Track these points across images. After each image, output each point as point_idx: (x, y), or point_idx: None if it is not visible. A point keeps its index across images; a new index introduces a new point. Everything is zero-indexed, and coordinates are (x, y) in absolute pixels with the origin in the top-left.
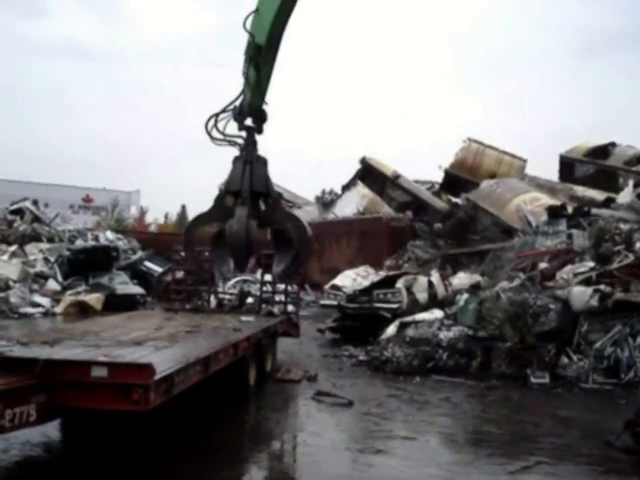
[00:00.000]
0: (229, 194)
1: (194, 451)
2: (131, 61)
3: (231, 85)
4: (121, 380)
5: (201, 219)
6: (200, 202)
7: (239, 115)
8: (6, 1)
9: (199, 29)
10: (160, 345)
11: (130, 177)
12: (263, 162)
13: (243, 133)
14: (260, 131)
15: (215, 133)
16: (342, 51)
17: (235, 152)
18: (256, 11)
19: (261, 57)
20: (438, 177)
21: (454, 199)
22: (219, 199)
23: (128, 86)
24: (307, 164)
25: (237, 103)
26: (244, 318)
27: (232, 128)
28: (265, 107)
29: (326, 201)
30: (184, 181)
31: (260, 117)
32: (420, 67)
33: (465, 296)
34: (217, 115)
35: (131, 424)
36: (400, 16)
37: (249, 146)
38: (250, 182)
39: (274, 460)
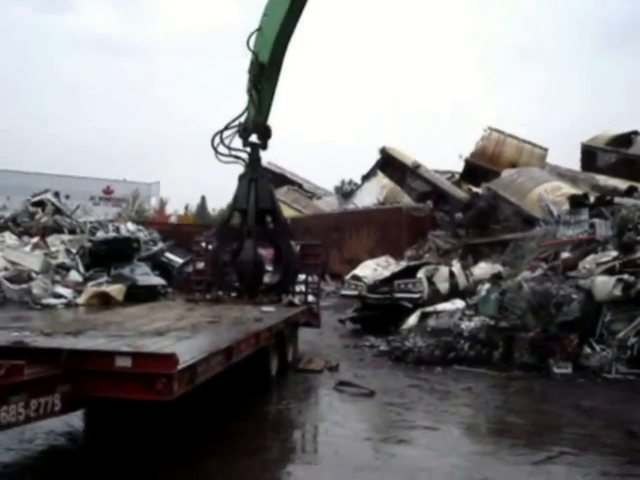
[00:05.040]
0: (236, 211)
1: (217, 440)
2: (154, 54)
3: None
4: (145, 370)
5: (219, 249)
6: (219, 193)
7: (244, 132)
8: None
9: (223, 22)
10: (182, 335)
11: (150, 168)
12: (267, 179)
13: (248, 149)
14: (265, 147)
15: (221, 148)
16: (365, 41)
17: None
18: (259, 30)
19: (264, 75)
20: (458, 167)
21: (475, 189)
22: (223, 225)
23: (151, 79)
24: (328, 154)
25: (241, 119)
26: (265, 308)
27: (236, 143)
28: (269, 124)
29: (346, 191)
30: (204, 172)
31: (264, 133)
32: (440, 56)
33: (487, 286)
34: (221, 132)
35: (154, 414)
36: (423, 5)
37: (253, 163)
38: (256, 200)
39: (296, 450)
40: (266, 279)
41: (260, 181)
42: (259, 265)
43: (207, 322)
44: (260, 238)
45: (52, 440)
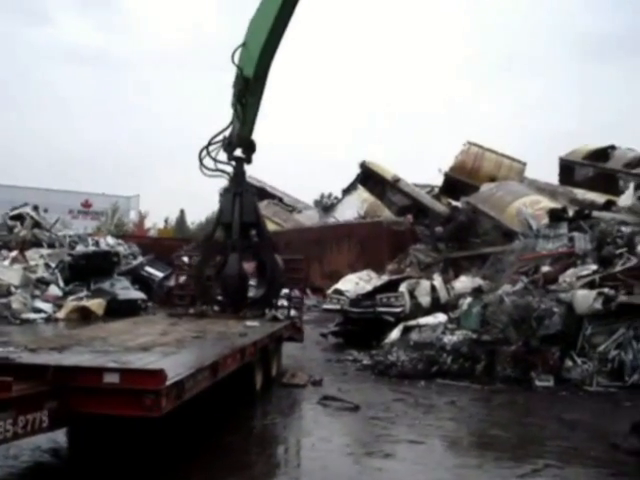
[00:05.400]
0: (221, 225)
1: (204, 456)
2: (133, 66)
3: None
4: (133, 386)
5: (203, 264)
6: (199, 207)
7: (228, 146)
8: (7, 8)
9: (201, 34)
10: (168, 351)
11: (129, 182)
12: (252, 193)
13: (233, 163)
14: (249, 161)
15: (206, 162)
16: (345, 54)
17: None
18: (243, 45)
19: (249, 90)
20: (438, 181)
21: (454, 202)
22: (207, 240)
23: (129, 90)
24: (306, 167)
25: (226, 133)
26: (249, 323)
27: (221, 157)
28: (253, 138)
29: (326, 205)
30: (183, 186)
31: (249, 147)
32: (421, 69)
33: (468, 300)
34: (207, 147)
35: (141, 429)
36: (401, 20)
37: (238, 177)
38: (240, 214)
39: (283, 465)
40: (250, 293)
41: (245, 195)
42: (243, 279)
43: (192, 337)
44: (244, 252)
45: (38, 457)
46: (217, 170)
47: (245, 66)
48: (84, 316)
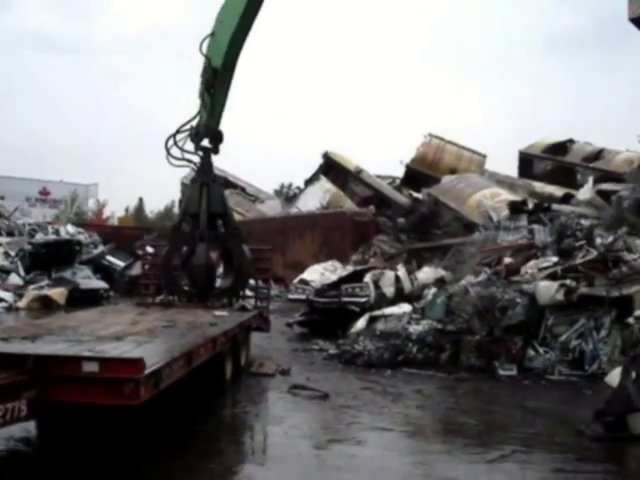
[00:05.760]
0: (188, 215)
1: (178, 444)
2: (95, 53)
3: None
4: (112, 375)
5: (171, 254)
6: (157, 196)
7: (196, 136)
8: None
9: (165, 21)
10: (141, 340)
11: (87, 170)
12: (219, 183)
13: (200, 153)
14: (217, 152)
15: (173, 152)
16: (312, 45)
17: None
18: (212, 35)
19: (217, 80)
20: (399, 172)
21: (415, 194)
22: (175, 229)
23: (90, 78)
24: (267, 156)
25: (193, 124)
26: (218, 313)
27: (188, 146)
28: (221, 128)
29: (289, 195)
30: (141, 174)
31: (216, 138)
32: (386, 62)
33: (433, 290)
34: (174, 136)
35: (113, 419)
36: (366, 14)
37: (205, 167)
38: (208, 204)
39: (258, 452)
40: (217, 283)
41: (212, 186)
42: (211, 269)
43: (162, 327)
44: (212, 242)
45: (12, 446)
46: (184, 160)
47: (213, 56)
48: (45, 305)
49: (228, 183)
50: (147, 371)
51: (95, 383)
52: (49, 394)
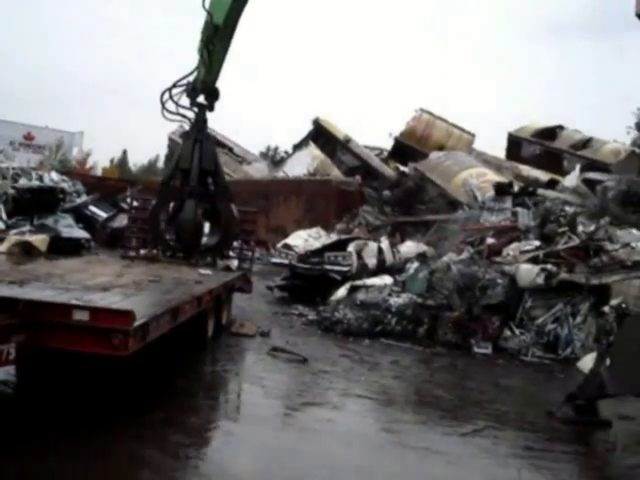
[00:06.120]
0: (178, 170)
1: (160, 399)
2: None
3: (190, 35)
4: (102, 325)
5: (159, 208)
6: (142, 148)
7: (192, 92)
8: None
9: None
10: (128, 292)
11: (74, 117)
12: (212, 141)
13: (195, 109)
14: (212, 109)
15: (168, 106)
16: (305, 14)
17: None
18: None
19: (217, 37)
20: (388, 144)
21: (402, 167)
22: (165, 183)
23: (83, 25)
24: (257, 120)
25: (190, 79)
26: (202, 271)
27: (183, 103)
28: (217, 86)
29: (276, 159)
30: (127, 126)
31: (212, 95)
32: (381, 35)
33: (415, 265)
34: (170, 89)
35: (101, 369)
36: None
37: (199, 123)
38: (200, 161)
39: (236, 410)
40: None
41: (205, 143)
42: (198, 226)
43: (148, 281)
44: (201, 199)
45: None
46: (178, 114)
47: (215, 12)
48: (26, 251)
49: (216, 142)
50: (136, 323)
51: (84, 331)
52: (38, 339)
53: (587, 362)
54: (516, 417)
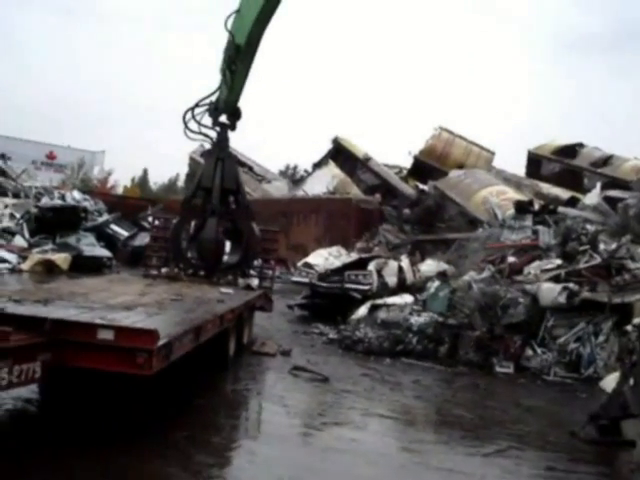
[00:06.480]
0: (200, 189)
1: (182, 417)
2: (111, 20)
3: (210, 56)
4: (127, 344)
5: (181, 226)
6: (162, 168)
7: (215, 111)
8: None
9: None
10: (151, 311)
11: (95, 137)
12: (234, 160)
13: (217, 128)
14: (234, 128)
15: (191, 126)
16: (335, 30)
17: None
18: (237, 12)
19: (239, 57)
20: (407, 163)
21: (421, 186)
22: (187, 202)
23: (107, 44)
24: (276, 138)
25: (212, 98)
26: (223, 290)
27: (205, 122)
28: (239, 105)
29: (296, 178)
30: (148, 145)
31: (234, 114)
32: (401, 53)
33: (436, 283)
34: (192, 109)
35: (124, 388)
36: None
37: (221, 142)
38: (221, 179)
39: (259, 430)
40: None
41: (227, 161)
42: (220, 244)
43: (171, 300)
44: (222, 218)
45: (20, 406)
46: (201, 134)
47: (237, 33)
48: (48, 269)
49: (237, 161)
50: (160, 342)
51: (109, 351)
52: (63, 358)
53: (610, 381)
54: (538, 437)
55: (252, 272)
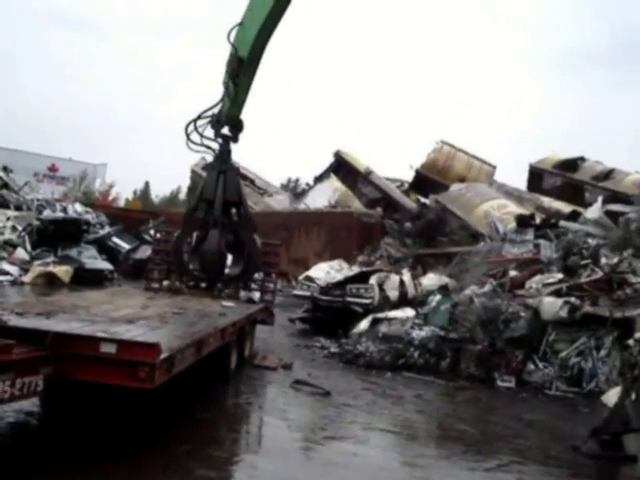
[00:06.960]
0: (202, 201)
1: (183, 431)
2: (113, 33)
3: (213, 69)
4: (129, 357)
5: (183, 238)
6: (163, 180)
7: (217, 123)
8: None
9: (187, 8)
10: (153, 325)
11: (97, 149)
12: (236, 172)
13: (219, 140)
14: (236, 140)
15: (193, 138)
16: (336, 43)
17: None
18: (240, 24)
19: (242, 69)
20: (408, 176)
21: (423, 199)
22: (189, 214)
23: (107, 59)
24: (277, 151)
25: (215, 111)
26: (225, 303)
27: (207, 133)
28: (242, 117)
29: (297, 191)
30: (151, 158)
31: (237, 126)
32: (402, 66)
33: (438, 297)
34: (195, 121)
35: (125, 401)
36: (388, 16)
37: (223, 154)
38: (223, 191)
39: (260, 444)
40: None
41: (229, 174)
42: (222, 256)
43: (173, 313)
44: (224, 230)
45: (22, 419)
46: (203, 146)
47: (240, 45)
48: (50, 282)
49: (239, 173)
50: (162, 356)
51: (111, 364)
52: (65, 371)
53: (612, 396)
54: (540, 452)
55: (254, 285)
